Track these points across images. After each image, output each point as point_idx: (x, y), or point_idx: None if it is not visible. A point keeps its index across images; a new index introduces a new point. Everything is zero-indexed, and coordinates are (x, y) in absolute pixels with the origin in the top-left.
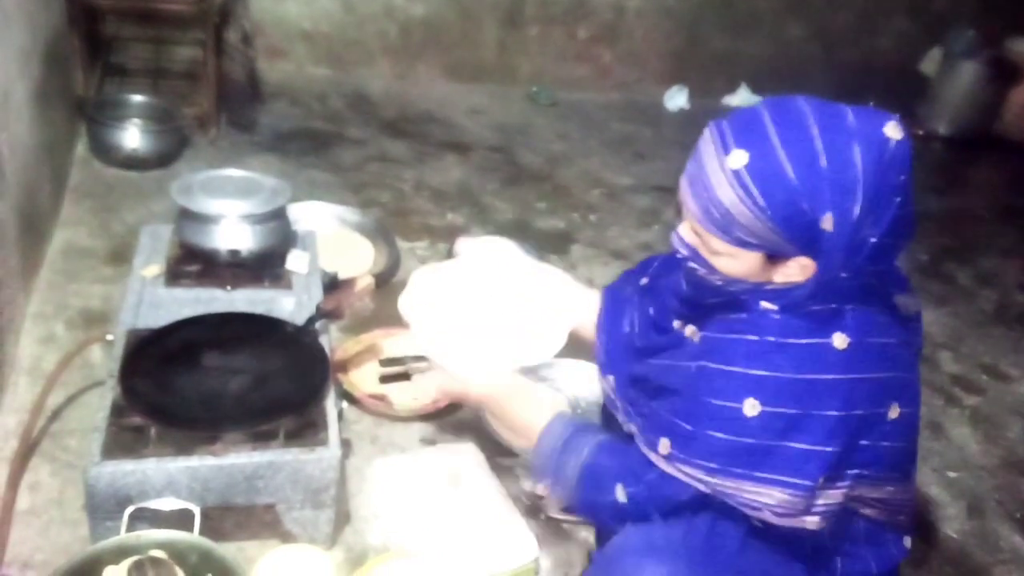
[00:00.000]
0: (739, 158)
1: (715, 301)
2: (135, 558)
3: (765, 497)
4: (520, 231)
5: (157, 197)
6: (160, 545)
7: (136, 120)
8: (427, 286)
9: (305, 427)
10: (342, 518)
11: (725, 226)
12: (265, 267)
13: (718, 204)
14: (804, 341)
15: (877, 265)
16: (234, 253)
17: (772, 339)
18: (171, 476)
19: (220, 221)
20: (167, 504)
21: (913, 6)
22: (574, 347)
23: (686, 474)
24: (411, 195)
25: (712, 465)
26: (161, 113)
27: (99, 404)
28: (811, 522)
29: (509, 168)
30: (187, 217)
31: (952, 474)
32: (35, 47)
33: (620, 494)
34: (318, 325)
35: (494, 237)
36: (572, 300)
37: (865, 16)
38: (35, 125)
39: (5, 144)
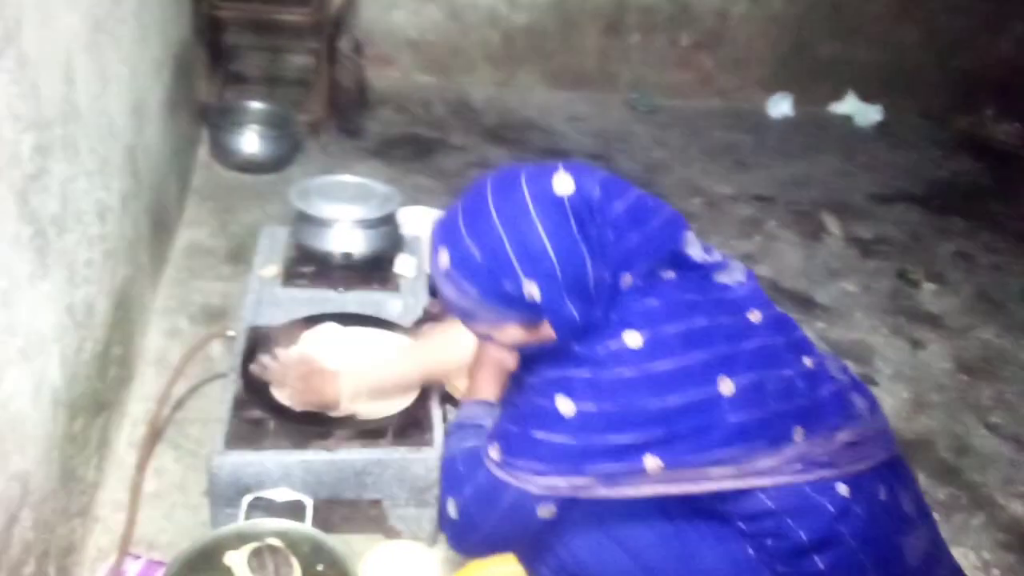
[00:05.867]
0: (444, 258)
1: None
2: (254, 545)
3: (598, 491)
4: None
5: (272, 200)
6: (276, 534)
7: (254, 126)
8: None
9: (411, 427)
10: None
11: (465, 318)
12: (375, 270)
13: (449, 303)
14: (600, 349)
15: (653, 260)
16: (347, 256)
17: (576, 348)
18: (287, 468)
19: (334, 225)
20: (282, 495)
21: None
22: None
23: (518, 479)
24: None
25: (539, 467)
26: (277, 119)
27: (221, 396)
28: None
29: None
30: (304, 220)
31: None
32: (166, 57)
33: (451, 509)
34: (424, 328)
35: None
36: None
37: (983, 20)
38: (165, 131)
39: (140, 149)
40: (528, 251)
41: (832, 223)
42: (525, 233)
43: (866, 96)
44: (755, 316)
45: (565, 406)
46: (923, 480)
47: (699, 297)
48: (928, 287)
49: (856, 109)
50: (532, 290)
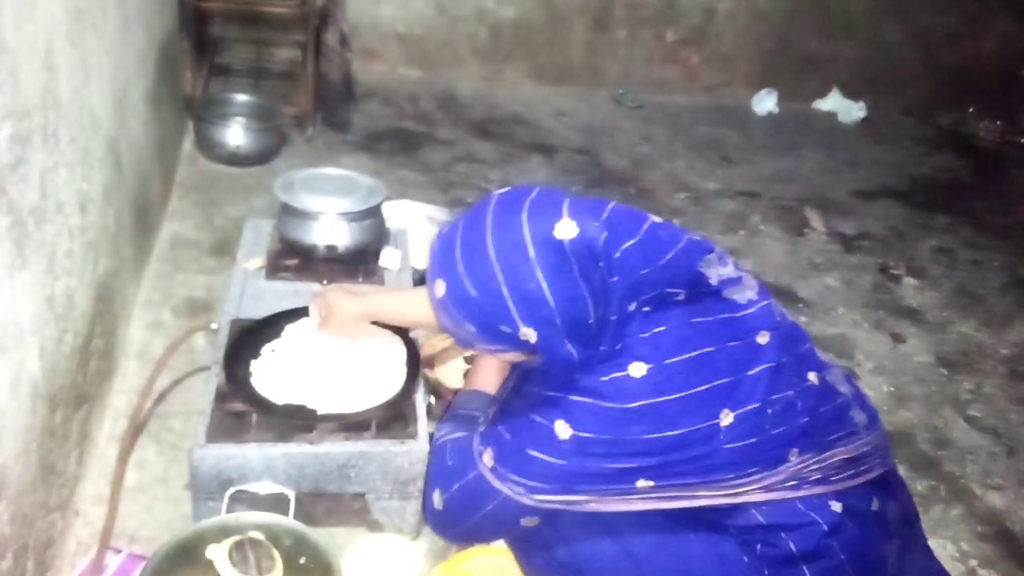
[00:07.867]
0: (440, 289)
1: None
2: (236, 538)
3: (589, 506)
4: None
5: (257, 192)
6: (258, 527)
7: (239, 118)
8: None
9: (395, 419)
10: None
11: (462, 341)
12: (359, 263)
13: (445, 327)
14: (604, 379)
15: (666, 287)
16: (331, 249)
17: (578, 375)
18: (270, 461)
19: (319, 218)
20: (265, 488)
21: (1019, 8)
22: None
23: (510, 489)
24: None
25: (531, 483)
26: (262, 112)
27: (203, 389)
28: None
29: (594, 170)
30: (288, 213)
31: None
32: (150, 49)
33: (437, 500)
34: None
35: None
36: None
37: (967, 18)
38: (148, 123)
39: (123, 140)
40: (526, 297)
41: (815, 218)
42: (523, 278)
43: (850, 93)
44: (763, 338)
45: (563, 431)
46: (903, 472)
47: (709, 318)
48: (909, 282)
49: (840, 106)
50: (529, 335)
